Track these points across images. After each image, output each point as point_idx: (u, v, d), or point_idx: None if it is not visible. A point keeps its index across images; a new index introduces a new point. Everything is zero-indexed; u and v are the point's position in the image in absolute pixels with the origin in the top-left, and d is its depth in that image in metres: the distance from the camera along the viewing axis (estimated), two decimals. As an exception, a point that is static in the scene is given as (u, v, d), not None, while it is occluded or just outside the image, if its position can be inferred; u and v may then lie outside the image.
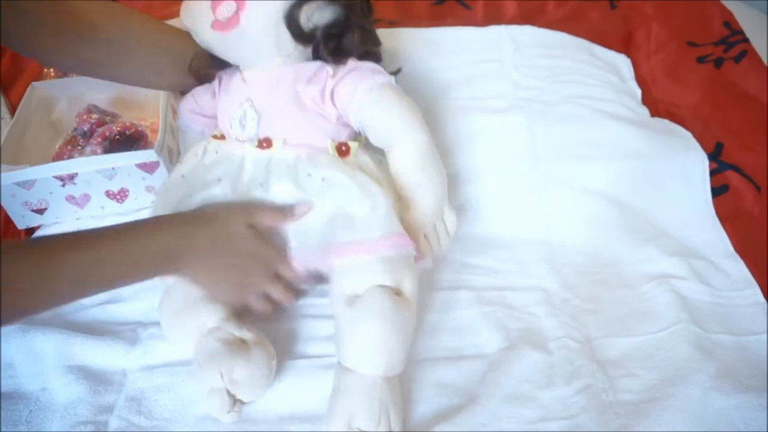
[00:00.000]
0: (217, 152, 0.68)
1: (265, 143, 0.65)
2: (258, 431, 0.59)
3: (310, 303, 0.68)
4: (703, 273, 0.71)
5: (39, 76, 0.94)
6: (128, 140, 0.80)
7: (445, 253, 0.69)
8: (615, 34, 1.02)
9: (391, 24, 0.74)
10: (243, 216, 0.62)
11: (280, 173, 0.63)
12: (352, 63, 0.66)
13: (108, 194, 0.76)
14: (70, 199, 0.76)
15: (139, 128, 0.81)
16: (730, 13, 1.03)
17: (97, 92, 0.87)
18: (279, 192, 0.63)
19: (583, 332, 0.66)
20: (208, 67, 0.72)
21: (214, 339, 0.60)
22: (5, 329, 0.65)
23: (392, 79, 0.66)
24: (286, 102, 0.65)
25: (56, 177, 0.73)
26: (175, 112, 0.82)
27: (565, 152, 0.81)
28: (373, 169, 0.66)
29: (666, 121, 0.88)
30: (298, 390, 0.61)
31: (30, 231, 0.79)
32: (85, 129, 0.81)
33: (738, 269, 0.72)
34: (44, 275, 0.50)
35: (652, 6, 1.05)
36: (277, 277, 0.63)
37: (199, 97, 0.74)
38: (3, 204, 0.75)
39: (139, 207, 0.78)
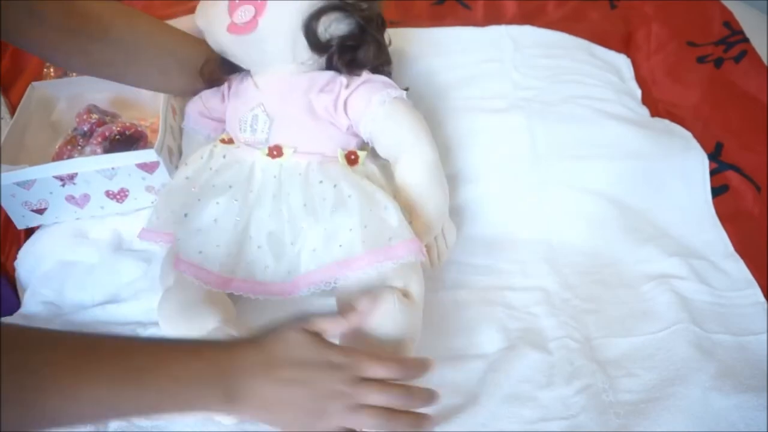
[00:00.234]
0: (224, 156, 0.68)
1: (275, 151, 0.65)
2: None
3: (310, 303, 0.68)
4: (703, 273, 0.71)
5: (39, 76, 0.94)
6: (128, 140, 0.80)
7: (442, 264, 0.69)
8: (615, 34, 1.02)
9: (391, 24, 0.74)
10: (298, 324, 0.51)
11: (292, 182, 0.64)
12: (365, 75, 0.67)
13: (108, 194, 0.76)
14: (70, 199, 0.76)
15: (139, 128, 0.81)
16: (730, 13, 1.03)
17: (97, 92, 0.87)
18: (291, 204, 0.63)
19: (583, 332, 0.66)
20: (220, 71, 0.72)
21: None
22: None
23: (404, 93, 0.68)
24: (299, 110, 0.66)
25: (56, 177, 0.73)
26: (175, 112, 0.82)
27: (565, 152, 0.81)
28: (379, 178, 0.67)
29: (666, 121, 0.88)
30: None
31: (30, 231, 0.79)
32: (85, 129, 0.81)
33: (738, 269, 0.72)
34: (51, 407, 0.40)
35: (652, 6, 1.05)
36: (366, 384, 0.49)
37: (208, 100, 0.75)
38: (3, 204, 0.75)
39: (139, 207, 0.78)
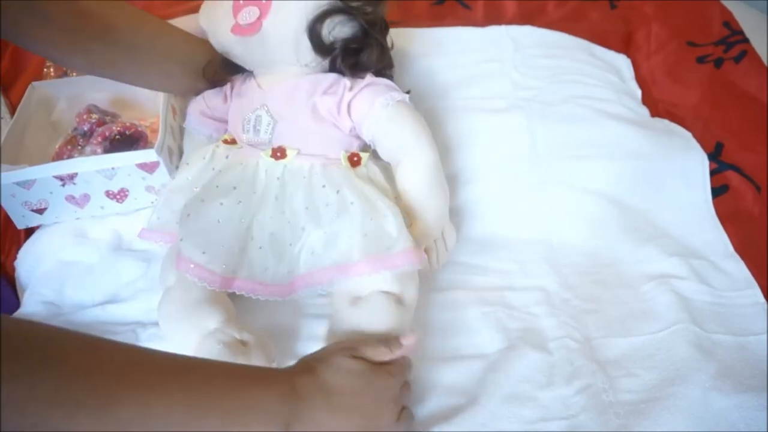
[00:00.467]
0: (227, 157, 0.68)
1: (279, 153, 0.65)
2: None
3: (310, 303, 0.68)
4: (703, 273, 0.71)
5: (39, 76, 0.94)
6: (128, 140, 0.80)
7: (441, 267, 0.70)
8: (615, 34, 1.02)
9: (392, 24, 0.74)
10: (345, 352, 0.52)
11: (295, 185, 0.64)
12: (369, 78, 0.67)
13: (108, 194, 0.76)
14: (70, 198, 0.76)
15: (139, 128, 0.81)
16: (730, 13, 1.03)
17: (97, 92, 0.87)
18: (293, 206, 0.63)
19: (583, 332, 0.66)
20: (222, 72, 0.72)
21: (215, 341, 0.59)
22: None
23: (407, 96, 0.68)
24: (303, 112, 0.66)
25: (56, 177, 0.73)
26: (175, 112, 0.82)
27: (565, 152, 0.81)
28: (381, 180, 0.67)
29: (666, 121, 0.88)
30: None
31: (30, 231, 0.79)
32: (85, 129, 0.81)
33: (738, 269, 0.72)
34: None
35: (652, 6, 1.05)
36: (404, 389, 0.55)
37: (210, 100, 0.75)
38: (3, 204, 0.74)
39: (139, 207, 0.78)
